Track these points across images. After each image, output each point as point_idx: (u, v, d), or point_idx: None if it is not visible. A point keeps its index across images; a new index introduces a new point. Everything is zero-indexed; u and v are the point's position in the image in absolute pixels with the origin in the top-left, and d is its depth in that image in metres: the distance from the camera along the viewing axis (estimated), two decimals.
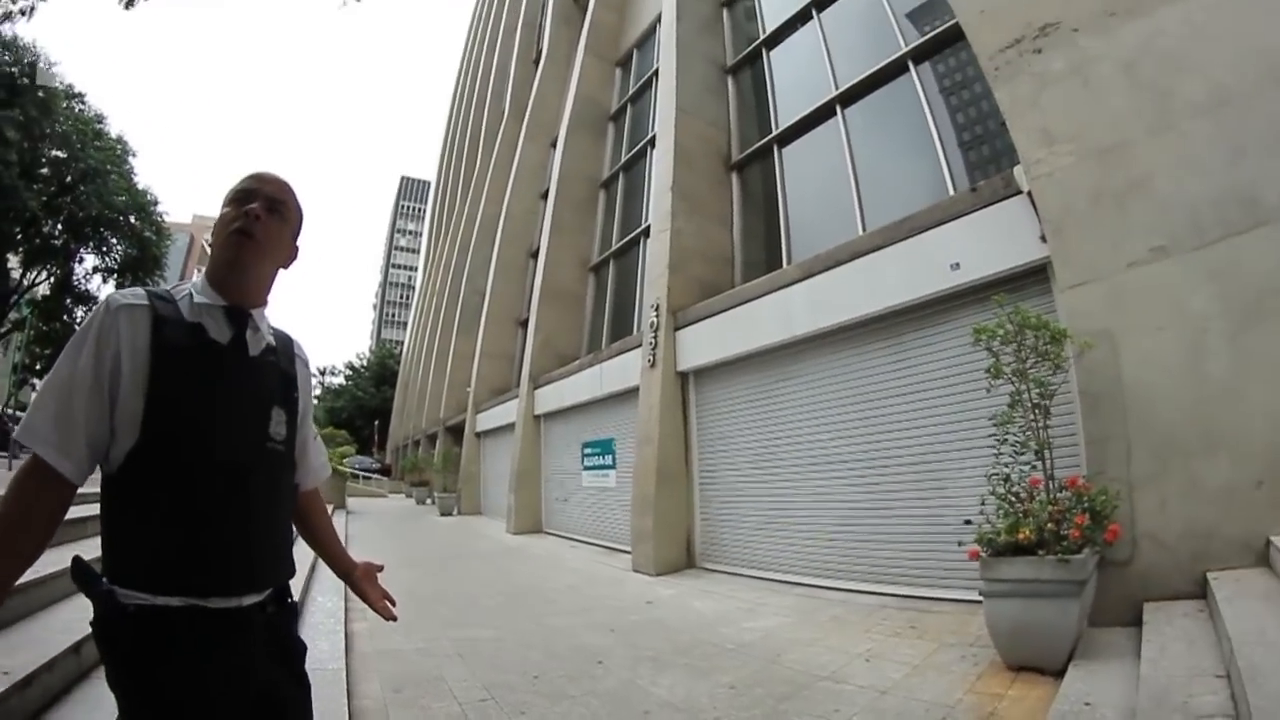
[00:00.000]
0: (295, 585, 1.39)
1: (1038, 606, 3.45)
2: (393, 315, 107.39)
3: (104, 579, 1.10)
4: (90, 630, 1.12)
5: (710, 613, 5.71)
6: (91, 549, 1.16)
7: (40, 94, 21.34)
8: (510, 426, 15.22)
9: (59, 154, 23.41)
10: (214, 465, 1.13)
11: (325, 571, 6.80)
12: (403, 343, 58.60)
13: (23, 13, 5.26)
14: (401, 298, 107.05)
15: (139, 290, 1.20)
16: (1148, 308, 3.98)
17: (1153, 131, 4.11)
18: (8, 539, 1.05)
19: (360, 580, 1.56)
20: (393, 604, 1.56)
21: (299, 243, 1.37)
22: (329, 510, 1.71)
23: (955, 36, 6.58)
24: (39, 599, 2.84)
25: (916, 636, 4.48)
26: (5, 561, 1.05)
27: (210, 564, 1.11)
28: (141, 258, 26.14)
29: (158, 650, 1.06)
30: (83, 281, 26.69)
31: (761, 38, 10.68)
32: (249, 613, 1.17)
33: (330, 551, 1.59)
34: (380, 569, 1.60)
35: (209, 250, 1.32)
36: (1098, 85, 4.42)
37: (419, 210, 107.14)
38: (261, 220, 1.24)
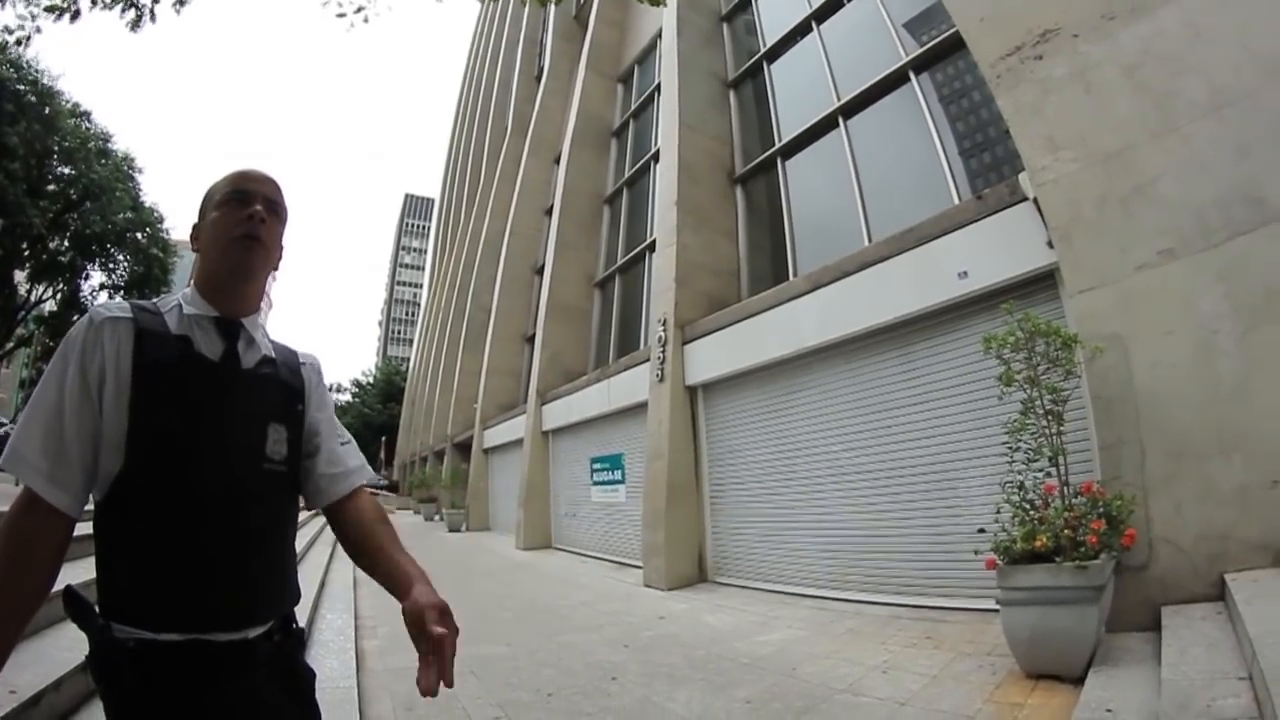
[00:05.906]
0: (304, 601, 1.31)
1: (1056, 614, 3.42)
2: (399, 333, 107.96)
3: (99, 612, 1.03)
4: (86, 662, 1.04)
5: (724, 627, 5.67)
6: (89, 569, 1.08)
7: (45, 110, 21.47)
8: (518, 442, 15.24)
9: (66, 170, 23.49)
10: (205, 491, 1.05)
11: (334, 588, 6.85)
12: (409, 360, 58.75)
13: (19, 42, 5.33)
14: (407, 315, 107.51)
15: (123, 302, 1.12)
16: (1157, 311, 3.97)
17: (1156, 134, 4.11)
18: (5, 585, 0.95)
19: (409, 621, 1.04)
20: (445, 683, 0.98)
21: (283, 242, 1.29)
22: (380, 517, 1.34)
23: (956, 45, 6.64)
24: (46, 616, 2.71)
25: (933, 647, 4.43)
26: (4, 611, 0.95)
27: (207, 599, 1.03)
28: (148, 274, 26.28)
29: (159, 688, 0.99)
30: (90, 298, 26.75)
31: (762, 51, 10.81)
32: (254, 644, 1.09)
33: (388, 570, 1.17)
34: (440, 610, 1.04)
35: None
36: (1100, 90, 4.44)
37: (423, 228, 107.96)
38: (266, 223, 1.17)
